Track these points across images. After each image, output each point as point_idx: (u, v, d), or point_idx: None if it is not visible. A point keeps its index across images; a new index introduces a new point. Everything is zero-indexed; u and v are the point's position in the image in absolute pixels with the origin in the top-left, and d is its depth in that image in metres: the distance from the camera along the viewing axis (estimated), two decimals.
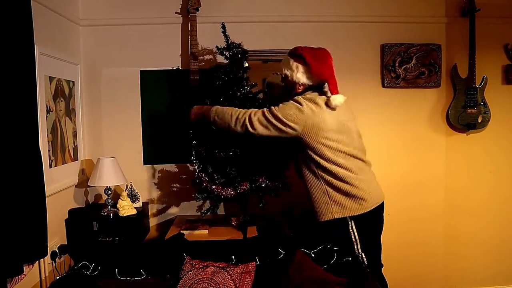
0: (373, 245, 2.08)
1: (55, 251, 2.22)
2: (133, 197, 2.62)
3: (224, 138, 2.26)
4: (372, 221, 2.04)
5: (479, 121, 2.79)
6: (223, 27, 2.29)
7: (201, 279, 1.89)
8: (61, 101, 2.40)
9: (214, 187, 2.20)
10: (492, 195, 2.94)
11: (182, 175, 2.78)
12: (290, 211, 2.72)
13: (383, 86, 2.81)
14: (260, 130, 1.96)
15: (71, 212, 2.47)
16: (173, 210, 2.81)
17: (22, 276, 1.90)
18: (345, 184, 1.97)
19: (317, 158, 1.97)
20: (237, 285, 1.88)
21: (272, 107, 1.98)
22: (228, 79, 2.31)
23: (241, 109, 2.03)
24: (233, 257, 2.06)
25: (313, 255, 2.04)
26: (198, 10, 2.59)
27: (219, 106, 2.10)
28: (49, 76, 2.24)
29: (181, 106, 2.61)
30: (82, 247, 2.35)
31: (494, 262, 2.97)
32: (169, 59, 2.72)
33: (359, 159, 2.03)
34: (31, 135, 1.86)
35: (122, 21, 2.69)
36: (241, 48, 2.32)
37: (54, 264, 2.19)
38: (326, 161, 1.96)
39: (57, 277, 1.91)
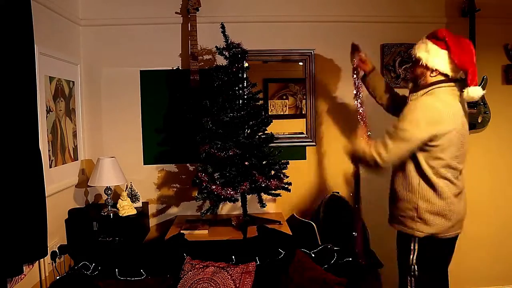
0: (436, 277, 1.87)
1: (55, 251, 2.22)
2: (133, 197, 2.62)
3: (224, 139, 2.26)
4: (440, 251, 1.85)
5: (479, 121, 2.79)
6: (223, 27, 2.29)
7: (201, 279, 1.89)
8: (61, 101, 2.40)
9: (214, 187, 2.20)
10: (492, 195, 2.94)
11: (182, 175, 2.78)
12: (290, 212, 2.71)
13: None
14: (391, 159, 1.73)
15: (71, 212, 2.47)
16: (173, 210, 2.81)
17: (22, 276, 1.90)
18: (437, 204, 1.75)
19: (428, 171, 1.73)
20: (237, 285, 1.88)
21: (393, 126, 1.72)
22: (227, 79, 2.31)
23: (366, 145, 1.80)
24: (233, 257, 2.06)
25: (313, 255, 2.05)
26: (198, 10, 2.59)
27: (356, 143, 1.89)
28: (49, 76, 2.24)
29: (183, 110, 2.60)
30: (82, 247, 2.35)
31: (494, 262, 2.97)
32: (169, 59, 2.72)
33: (459, 178, 1.82)
34: (31, 135, 1.86)
35: (122, 21, 2.69)
36: (241, 48, 2.31)
37: (54, 264, 2.19)
38: (431, 179, 1.74)
39: (57, 277, 1.92)
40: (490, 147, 2.90)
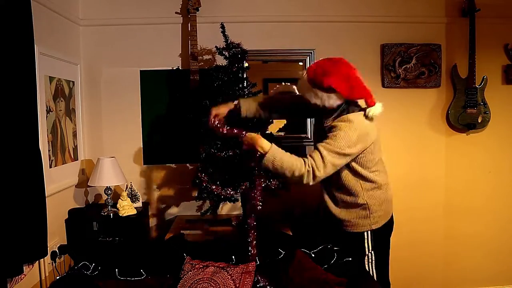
0: (384, 260, 2.04)
1: (55, 251, 2.22)
2: (133, 197, 2.62)
3: (223, 139, 2.26)
4: (386, 234, 2.03)
5: (479, 121, 2.79)
6: (223, 27, 2.29)
7: (201, 279, 1.89)
8: (61, 101, 2.40)
9: (214, 187, 2.20)
10: (492, 195, 2.94)
11: (182, 175, 2.78)
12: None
13: (383, 86, 2.81)
14: (326, 172, 1.78)
15: (71, 212, 2.47)
16: (173, 210, 2.81)
17: (22, 276, 1.90)
18: (382, 193, 1.94)
19: (361, 169, 1.88)
20: (237, 285, 1.88)
21: (327, 144, 1.77)
22: (227, 79, 2.30)
23: (296, 161, 1.78)
24: (233, 257, 2.06)
25: (313, 255, 2.04)
26: (198, 10, 2.59)
27: (277, 151, 1.79)
28: (49, 76, 2.24)
29: (183, 110, 2.59)
30: (82, 247, 2.35)
31: (494, 262, 2.97)
32: (169, 59, 2.72)
33: (385, 171, 2.00)
34: (31, 135, 1.86)
35: (122, 21, 2.69)
36: (240, 48, 2.31)
37: (54, 264, 2.19)
38: (372, 179, 1.90)
39: (57, 277, 1.91)
40: (490, 147, 2.90)
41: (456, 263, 2.98)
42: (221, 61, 2.42)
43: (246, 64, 2.41)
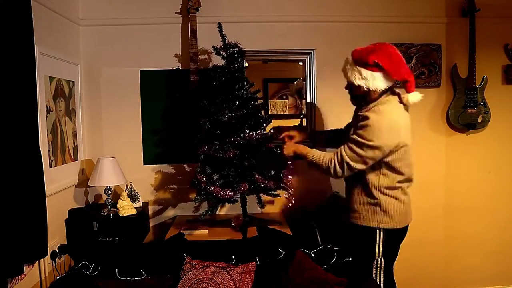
0: (390, 268, 2.04)
1: (55, 251, 2.22)
2: (133, 197, 2.62)
3: (222, 139, 2.26)
4: (398, 240, 2.00)
5: (479, 121, 2.79)
6: (220, 26, 2.29)
7: (201, 279, 1.89)
8: (61, 101, 2.40)
9: (212, 188, 2.20)
10: (492, 195, 2.94)
11: (182, 175, 2.78)
12: (290, 213, 2.71)
13: None
14: (360, 167, 1.82)
15: (71, 212, 2.47)
16: (173, 210, 2.81)
17: (22, 276, 1.90)
18: (399, 198, 1.90)
19: (387, 168, 1.85)
20: (237, 285, 1.88)
21: (356, 135, 1.80)
22: (225, 79, 2.30)
23: (331, 154, 1.90)
24: (233, 257, 2.06)
25: (313, 255, 2.05)
26: (198, 10, 2.59)
27: (315, 152, 1.98)
28: (49, 76, 2.24)
29: (183, 110, 2.60)
30: (82, 247, 2.35)
31: (494, 262, 2.97)
32: (169, 59, 2.72)
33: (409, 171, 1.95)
34: (31, 135, 1.86)
35: (122, 21, 2.69)
36: (238, 47, 2.31)
37: (54, 264, 2.19)
38: (395, 172, 1.86)
39: (57, 277, 1.91)
40: (490, 147, 2.90)
41: (456, 263, 2.98)
42: (220, 61, 2.42)
43: (246, 64, 2.41)
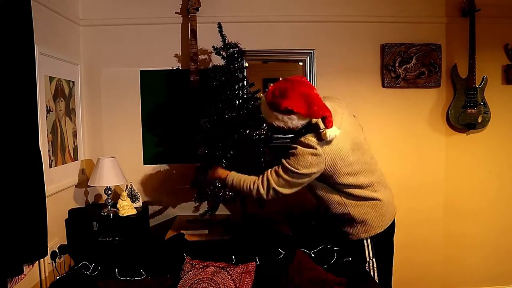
0: (387, 266, 2.04)
1: (55, 251, 2.22)
2: (133, 197, 2.62)
3: (223, 139, 2.26)
4: (388, 239, 2.01)
5: (479, 121, 2.79)
6: (220, 26, 2.29)
7: (201, 279, 1.89)
8: (61, 101, 2.40)
9: (212, 187, 2.20)
10: (492, 195, 2.94)
11: (182, 175, 2.78)
12: (290, 212, 2.72)
13: (383, 86, 2.81)
14: (286, 191, 1.86)
15: (71, 212, 2.47)
16: (173, 210, 2.81)
17: (22, 276, 1.90)
18: (368, 203, 1.91)
19: (339, 186, 1.88)
20: (237, 285, 1.88)
21: (284, 162, 1.83)
22: (225, 79, 2.30)
23: (253, 177, 1.92)
24: (233, 257, 2.06)
25: (313, 255, 2.04)
26: (198, 10, 2.59)
27: (235, 175, 1.97)
28: (49, 76, 2.24)
29: (183, 110, 2.60)
30: (82, 247, 2.35)
31: (494, 262, 2.97)
32: (169, 59, 2.72)
33: (376, 170, 1.97)
34: (31, 135, 1.86)
35: (122, 21, 2.69)
36: (238, 47, 2.31)
37: (54, 264, 2.19)
38: (349, 187, 1.88)
39: (57, 277, 1.91)
40: (490, 147, 2.90)
41: (456, 263, 2.98)
42: (220, 61, 2.42)
43: (246, 64, 2.41)
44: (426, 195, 2.89)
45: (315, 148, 1.78)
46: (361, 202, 1.91)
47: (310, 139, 1.80)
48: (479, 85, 2.76)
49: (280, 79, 1.87)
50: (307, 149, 1.79)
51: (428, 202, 2.90)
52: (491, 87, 2.78)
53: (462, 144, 2.89)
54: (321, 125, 1.78)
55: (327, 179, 1.88)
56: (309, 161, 1.79)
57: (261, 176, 1.90)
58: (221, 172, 2.04)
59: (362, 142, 1.95)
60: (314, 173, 1.82)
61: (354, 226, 1.94)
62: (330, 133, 1.76)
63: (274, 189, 1.86)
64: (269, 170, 1.89)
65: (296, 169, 1.80)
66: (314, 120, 1.82)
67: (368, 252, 1.96)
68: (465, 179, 2.92)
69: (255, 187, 1.89)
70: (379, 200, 1.93)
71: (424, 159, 2.88)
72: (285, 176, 1.83)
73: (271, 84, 1.86)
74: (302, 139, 1.82)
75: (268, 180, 1.87)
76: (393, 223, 2.02)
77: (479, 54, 2.71)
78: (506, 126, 2.90)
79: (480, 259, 2.97)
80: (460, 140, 2.89)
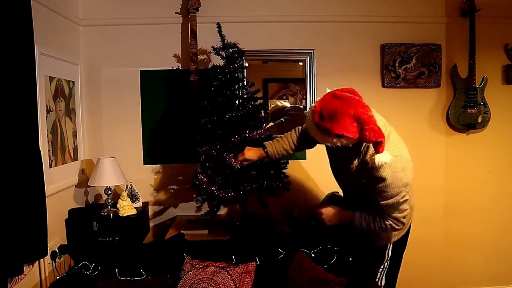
0: (395, 270, 2.04)
1: (55, 251, 2.22)
2: (133, 197, 2.62)
3: (223, 139, 2.26)
4: (403, 244, 2.01)
5: (479, 121, 2.79)
6: (219, 26, 2.29)
7: (201, 279, 1.89)
8: (61, 101, 2.40)
9: (213, 188, 2.20)
10: (493, 195, 2.94)
11: (182, 175, 2.78)
12: (290, 213, 2.72)
13: (383, 86, 2.81)
14: (407, 220, 1.78)
15: (71, 212, 2.47)
16: (173, 210, 2.81)
17: (22, 276, 1.90)
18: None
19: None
20: (237, 285, 1.88)
21: (386, 202, 1.69)
22: (225, 79, 2.30)
23: (374, 216, 1.78)
24: (233, 257, 2.06)
25: (313, 255, 2.05)
26: (198, 10, 2.59)
27: (357, 216, 1.84)
28: (49, 76, 2.24)
29: (183, 110, 2.59)
30: (82, 247, 2.35)
31: (494, 262, 2.97)
32: (169, 59, 2.72)
33: None
34: (31, 135, 1.86)
35: (122, 21, 2.69)
36: (237, 47, 2.31)
37: (54, 264, 2.19)
38: None
39: (57, 277, 1.91)
40: (490, 147, 2.90)
41: (456, 263, 2.98)
42: (220, 61, 2.42)
43: (246, 64, 2.41)
44: (426, 195, 2.89)
45: (393, 157, 1.63)
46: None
47: (387, 158, 1.62)
48: (479, 85, 2.76)
49: (327, 90, 1.67)
50: (390, 170, 1.64)
51: (428, 202, 2.89)
52: (491, 87, 2.78)
53: (462, 144, 2.89)
54: (371, 150, 1.66)
55: None
56: (401, 176, 1.66)
57: (383, 219, 1.75)
58: (346, 213, 1.91)
59: None
60: (411, 180, 1.70)
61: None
62: (379, 159, 1.62)
63: (399, 222, 1.75)
64: (386, 214, 1.74)
65: (400, 193, 1.67)
66: None
67: (388, 254, 1.94)
68: (465, 179, 2.92)
69: (382, 229, 1.78)
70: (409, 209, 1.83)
71: (424, 159, 2.87)
72: (399, 206, 1.70)
73: (317, 101, 1.65)
74: (378, 163, 1.63)
75: (393, 222, 1.75)
76: (409, 228, 2.02)
77: (479, 54, 2.72)
78: (506, 126, 2.90)
79: (480, 259, 2.97)
80: (460, 140, 2.89)
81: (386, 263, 1.95)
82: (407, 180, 1.68)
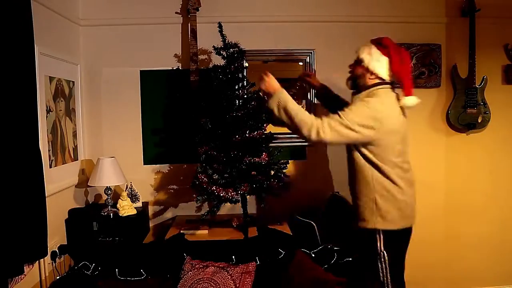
0: (399, 262, 1.96)
1: (55, 251, 2.22)
2: (133, 197, 2.62)
3: (223, 139, 2.26)
4: (401, 241, 1.94)
5: (479, 121, 2.79)
6: (220, 26, 2.29)
7: (201, 279, 1.89)
8: (61, 101, 2.40)
9: (214, 188, 2.20)
10: (492, 195, 2.94)
11: (182, 175, 2.78)
12: (290, 213, 2.71)
13: None
14: (330, 136, 1.79)
15: (71, 212, 2.47)
16: (173, 210, 2.81)
17: (22, 276, 1.90)
18: (395, 196, 1.86)
19: (379, 164, 1.84)
20: (237, 285, 1.88)
21: (341, 112, 1.81)
22: (226, 79, 2.30)
23: (308, 114, 1.87)
24: (233, 257, 2.06)
25: (313, 255, 2.05)
26: (198, 10, 2.59)
27: (289, 100, 1.89)
28: (49, 76, 2.24)
29: (183, 110, 2.60)
30: (82, 247, 2.35)
31: (494, 262, 2.97)
32: (169, 59, 2.72)
33: (409, 172, 1.93)
34: (31, 135, 1.86)
35: (122, 21, 2.69)
36: (238, 47, 2.31)
37: (54, 264, 2.19)
38: (385, 171, 1.84)
39: (57, 277, 1.92)
40: (490, 147, 2.90)
41: (457, 263, 2.98)
42: (221, 61, 2.42)
43: (246, 64, 2.41)
44: (426, 194, 2.88)
45: (378, 107, 1.79)
46: (390, 189, 1.86)
47: (376, 99, 1.82)
48: (479, 85, 2.76)
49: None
50: (367, 106, 1.79)
51: (428, 202, 2.89)
52: (491, 87, 2.78)
53: (462, 144, 2.89)
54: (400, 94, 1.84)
55: (369, 147, 1.84)
56: (365, 116, 1.78)
57: (316, 119, 1.83)
58: (277, 89, 1.94)
59: (407, 138, 1.92)
60: (363, 135, 1.78)
61: (373, 213, 1.87)
62: (407, 100, 1.81)
63: (319, 133, 1.79)
64: (326, 117, 1.83)
65: (350, 123, 1.77)
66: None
67: (380, 244, 1.89)
68: (465, 179, 2.92)
69: (311, 122, 1.81)
70: (404, 195, 1.88)
71: (424, 159, 2.87)
72: (336, 126, 1.78)
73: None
74: (367, 97, 1.84)
75: (319, 126, 1.80)
76: (410, 229, 1.96)
77: (479, 54, 2.71)
78: (506, 126, 2.90)
79: (480, 259, 2.97)
80: (460, 140, 2.89)
81: (382, 253, 1.89)
82: (359, 128, 1.76)
